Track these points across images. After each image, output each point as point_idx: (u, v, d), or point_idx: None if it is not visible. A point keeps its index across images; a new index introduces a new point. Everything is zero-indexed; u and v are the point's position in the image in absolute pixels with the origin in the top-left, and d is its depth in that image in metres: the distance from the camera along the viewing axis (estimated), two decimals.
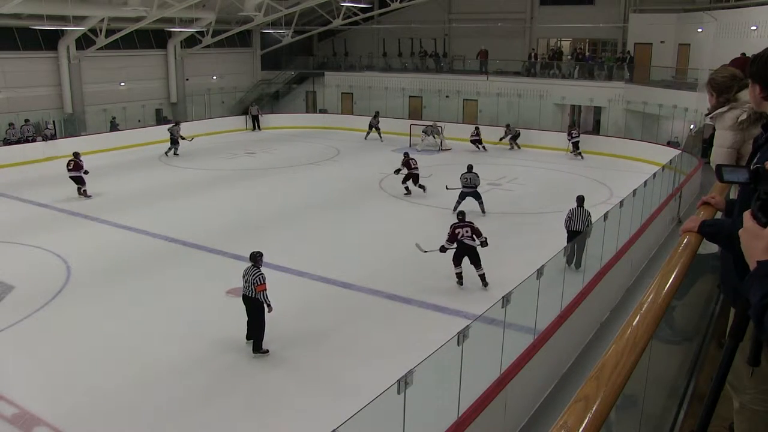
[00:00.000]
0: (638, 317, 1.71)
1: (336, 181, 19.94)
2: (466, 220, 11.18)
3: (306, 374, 8.49)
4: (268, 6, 27.73)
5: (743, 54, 9.74)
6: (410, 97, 31.32)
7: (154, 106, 29.72)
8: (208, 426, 7.35)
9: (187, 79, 31.56)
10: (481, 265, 10.95)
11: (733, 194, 2.88)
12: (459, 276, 11.08)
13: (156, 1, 23.55)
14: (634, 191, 11.88)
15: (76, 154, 18.27)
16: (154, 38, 29.94)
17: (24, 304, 10.56)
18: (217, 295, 10.82)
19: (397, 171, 17.90)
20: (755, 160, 1.97)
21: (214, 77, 33.02)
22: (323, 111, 33.57)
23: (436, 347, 5.91)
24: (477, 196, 15.32)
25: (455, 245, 10.95)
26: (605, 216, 10.39)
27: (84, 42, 26.54)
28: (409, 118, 29.24)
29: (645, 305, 1.79)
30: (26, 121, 23.85)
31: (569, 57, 30.05)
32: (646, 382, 2.52)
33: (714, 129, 3.86)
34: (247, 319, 8.96)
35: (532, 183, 19.74)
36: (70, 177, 17.91)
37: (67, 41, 26.04)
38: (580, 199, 11.75)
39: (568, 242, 10.82)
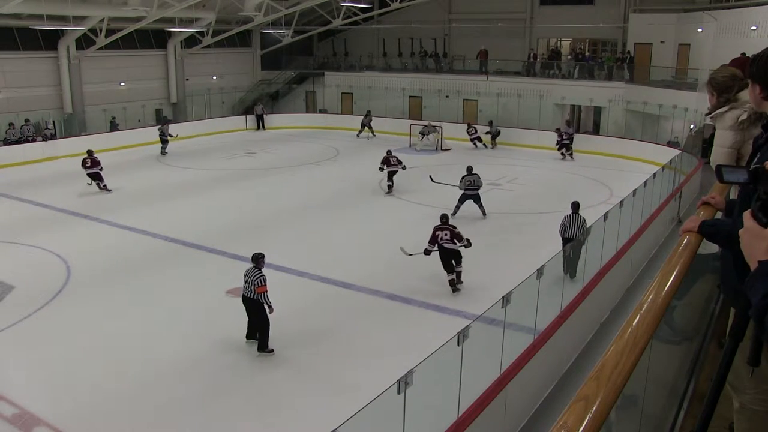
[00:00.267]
0: (638, 317, 1.71)
1: (336, 181, 19.94)
2: (450, 223, 11.09)
3: (306, 374, 8.49)
4: (268, 6, 27.73)
5: (743, 54, 9.73)
6: (410, 97, 31.32)
7: (154, 106, 29.71)
8: (208, 426, 7.36)
9: (187, 79, 31.56)
10: (461, 263, 10.93)
11: (733, 194, 2.88)
12: (452, 283, 10.96)
13: (156, 1, 23.55)
14: (634, 191, 11.88)
15: (90, 152, 18.82)
16: (154, 38, 29.95)
17: (24, 304, 10.56)
18: (217, 295, 10.82)
19: (381, 169, 18.24)
20: (755, 160, 1.97)
21: (214, 77, 33.01)
22: (323, 111, 33.57)
23: (436, 347, 5.91)
24: (477, 199, 15.18)
25: (437, 248, 10.90)
26: (605, 216, 10.38)
27: (84, 42, 26.54)
28: (409, 118, 29.25)
29: (645, 305, 1.79)
30: (26, 121, 23.85)
31: (569, 57, 30.06)
32: (646, 382, 2.52)
33: (714, 129, 3.86)
34: (247, 319, 8.96)
35: (532, 183, 19.74)
36: (88, 174, 18.41)
37: (67, 41, 26.04)
38: (575, 206, 11.41)
39: (563, 249, 10.38)
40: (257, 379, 8.38)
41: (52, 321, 10.06)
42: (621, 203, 11.10)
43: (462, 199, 15.13)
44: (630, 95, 25.48)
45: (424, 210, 16.34)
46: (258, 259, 8.92)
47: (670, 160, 17.11)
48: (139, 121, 27.69)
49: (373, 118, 28.71)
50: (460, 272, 10.95)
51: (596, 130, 27.30)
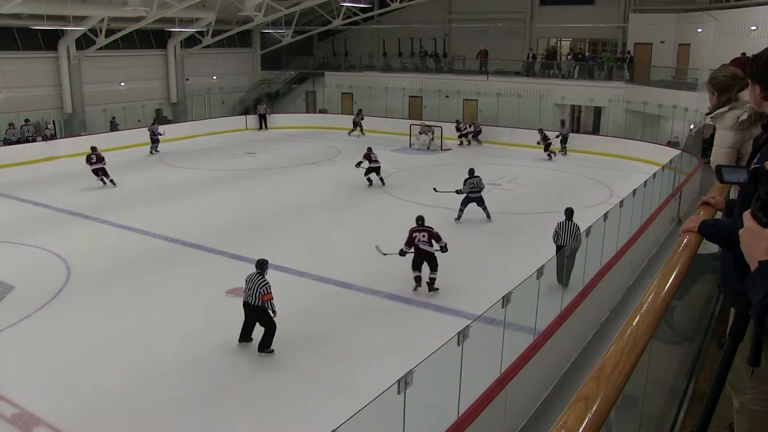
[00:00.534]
0: (638, 317, 1.71)
1: (336, 181, 19.93)
2: (426, 225, 11.03)
3: (306, 374, 8.48)
4: (268, 6, 27.73)
5: (743, 54, 9.73)
6: (410, 97, 31.32)
7: (154, 106, 29.71)
8: (208, 426, 7.36)
9: (187, 79, 31.56)
10: (436, 270, 10.83)
11: (733, 194, 2.88)
12: (417, 280, 10.94)
13: (156, 1, 23.55)
14: (634, 191, 11.87)
15: (93, 149, 19.23)
16: (154, 38, 29.95)
17: (24, 304, 10.56)
18: (217, 295, 10.82)
19: (359, 164, 18.85)
20: (755, 160, 1.97)
21: (214, 77, 33.02)
22: (323, 111, 33.57)
23: (436, 347, 5.91)
24: (481, 201, 15.03)
25: (413, 250, 10.84)
26: (605, 216, 10.38)
27: (84, 42, 26.55)
28: (409, 118, 29.25)
29: (645, 305, 1.79)
30: (26, 121, 23.86)
31: (569, 56, 30.07)
32: (646, 382, 2.52)
33: (714, 129, 3.86)
34: (243, 322, 8.93)
35: (532, 183, 19.74)
36: (94, 170, 18.82)
37: (67, 41, 26.04)
38: (569, 212, 11.08)
39: (556, 256, 9.91)
40: (257, 379, 8.38)
41: (52, 321, 10.06)
42: (621, 203, 11.09)
43: (465, 203, 14.94)
44: (630, 95, 25.49)
45: (425, 210, 16.29)
46: (263, 265, 8.84)
47: (670, 160, 17.11)
48: (139, 121, 27.68)
49: (364, 116, 29.04)
50: (434, 279, 10.82)
51: (596, 130, 27.30)
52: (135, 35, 27.81)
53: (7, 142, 23.23)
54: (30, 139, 23.68)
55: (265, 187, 19.66)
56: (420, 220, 11.14)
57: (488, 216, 15.13)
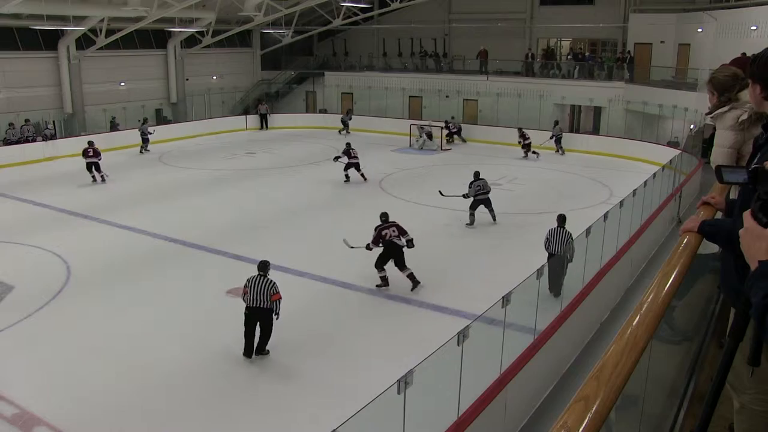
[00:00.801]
0: (638, 317, 1.71)
1: (336, 181, 19.93)
2: (391, 219, 11.11)
3: (306, 374, 8.48)
4: (268, 6, 27.73)
5: (743, 54, 9.74)
6: (410, 97, 31.32)
7: (154, 106, 29.72)
8: (208, 426, 7.36)
9: (187, 79, 31.56)
10: (405, 265, 10.87)
11: (733, 194, 2.88)
12: (384, 280, 10.96)
13: (156, 1, 23.55)
14: (634, 191, 11.87)
15: (91, 143, 19.80)
16: (154, 38, 29.95)
17: (24, 304, 10.56)
18: (217, 295, 10.82)
19: (336, 158, 19.63)
20: (755, 161, 1.97)
21: (214, 77, 33.02)
22: (323, 111, 33.58)
23: (436, 347, 5.91)
24: (489, 203, 14.89)
25: (381, 245, 10.87)
26: (605, 216, 10.38)
27: (84, 42, 26.54)
28: (409, 118, 29.26)
29: (645, 305, 1.79)
30: (26, 121, 23.86)
31: (569, 56, 30.08)
32: (646, 382, 2.52)
33: (714, 129, 3.86)
34: (246, 333, 8.52)
35: (532, 183, 19.74)
36: (88, 163, 19.25)
37: (67, 41, 26.04)
38: (561, 219, 10.64)
39: (547, 265, 9.18)
40: (257, 378, 8.38)
41: (52, 321, 10.06)
42: (621, 203, 11.08)
43: (474, 206, 14.77)
44: (630, 95, 25.49)
45: (425, 210, 16.35)
46: (266, 267, 8.62)
47: (670, 160, 17.10)
48: (138, 121, 27.69)
49: (353, 117, 29.62)
50: (411, 274, 10.87)
51: (596, 130, 27.31)
52: (135, 35, 27.81)
53: (7, 142, 23.23)
54: (30, 139, 23.68)
55: (265, 187, 19.67)
56: (384, 216, 11.21)
57: (494, 218, 15.01)
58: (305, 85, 35.50)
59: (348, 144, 19.96)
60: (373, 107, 31.45)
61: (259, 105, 31.76)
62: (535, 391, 7.51)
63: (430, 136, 25.93)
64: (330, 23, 33.26)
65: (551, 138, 24.41)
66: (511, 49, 30.39)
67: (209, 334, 9.44)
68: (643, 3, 28.05)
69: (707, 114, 3.88)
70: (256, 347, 8.66)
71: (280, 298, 8.50)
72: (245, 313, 8.53)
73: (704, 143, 19.03)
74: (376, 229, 10.96)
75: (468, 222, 14.80)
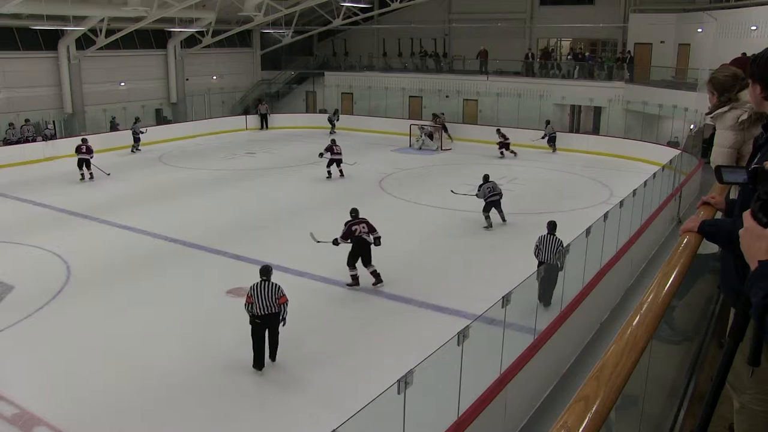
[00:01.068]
0: (638, 317, 1.71)
1: (336, 181, 19.94)
2: (360, 216, 11.21)
3: (306, 374, 8.48)
4: (268, 6, 27.73)
5: (743, 54, 9.74)
6: (410, 97, 31.32)
7: (154, 106, 29.72)
8: (208, 426, 7.35)
9: (187, 79, 31.55)
10: (371, 262, 10.94)
11: (733, 194, 2.88)
12: (355, 278, 10.98)
13: (156, 1, 23.55)
14: (634, 191, 11.86)
15: (84, 140, 20.05)
16: (154, 38, 29.94)
17: (24, 304, 10.56)
18: (217, 295, 10.81)
19: (321, 155, 20.01)
20: (755, 161, 1.97)
21: (214, 77, 33.02)
22: (323, 111, 33.58)
23: (436, 347, 5.91)
24: (499, 205, 14.82)
25: (350, 241, 10.93)
26: (605, 216, 10.38)
27: (84, 42, 26.54)
28: (409, 118, 29.27)
29: (645, 305, 1.79)
30: (26, 121, 23.86)
31: (569, 56, 30.08)
32: (646, 382, 2.52)
33: (714, 129, 3.86)
34: (254, 345, 8.25)
35: (532, 183, 19.73)
36: (81, 159, 19.44)
37: (67, 41, 26.04)
38: (552, 226, 10.23)
39: (537, 273, 8.64)
40: (257, 378, 8.37)
41: (52, 321, 10.05)
42: (621, 203, 11.08)
43: (487, 209, 14.64)
44: (630, 95, 25.48)
45: (425, 210, 16.36)
46: (268, 272, 8.48)
47: (670, 160, 17.10)
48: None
49: (340, 116, 29.80)
50: (375, 271, 10.97)
51: (596, 130, 27.32)
52: (135, 35, 27.81)
53: (7, 142, 23.22)
54: (30, 139, 23.68)
55: (265, 187, 19.66)
56: (354, 212, 11.32)
57: (503, 219, 14.91)
58: (305, 85, 35.50)
59: (333, 140, 20.39)
60: (373, 107, 31.44)
61: (259, 105, 31.76)
62: (535, 391, 7.51)
63: (430, 136, 25.97)
64: (330, 23, 33.26)
65: (543, 137, 24.40)
66: (511, 49, 30.39)
67: (209, 334, 9.44)
68: (643, 3, 28.05)
69: (707, 114, 3.88)
70: (268, 356, 8.46)
71: (287, 300, 8.36)
72: (255, 322, 8.22)
73: (704, 143, 19.02)
74: (345, 225, 11.06)
75: (485, 225, 14.64)
